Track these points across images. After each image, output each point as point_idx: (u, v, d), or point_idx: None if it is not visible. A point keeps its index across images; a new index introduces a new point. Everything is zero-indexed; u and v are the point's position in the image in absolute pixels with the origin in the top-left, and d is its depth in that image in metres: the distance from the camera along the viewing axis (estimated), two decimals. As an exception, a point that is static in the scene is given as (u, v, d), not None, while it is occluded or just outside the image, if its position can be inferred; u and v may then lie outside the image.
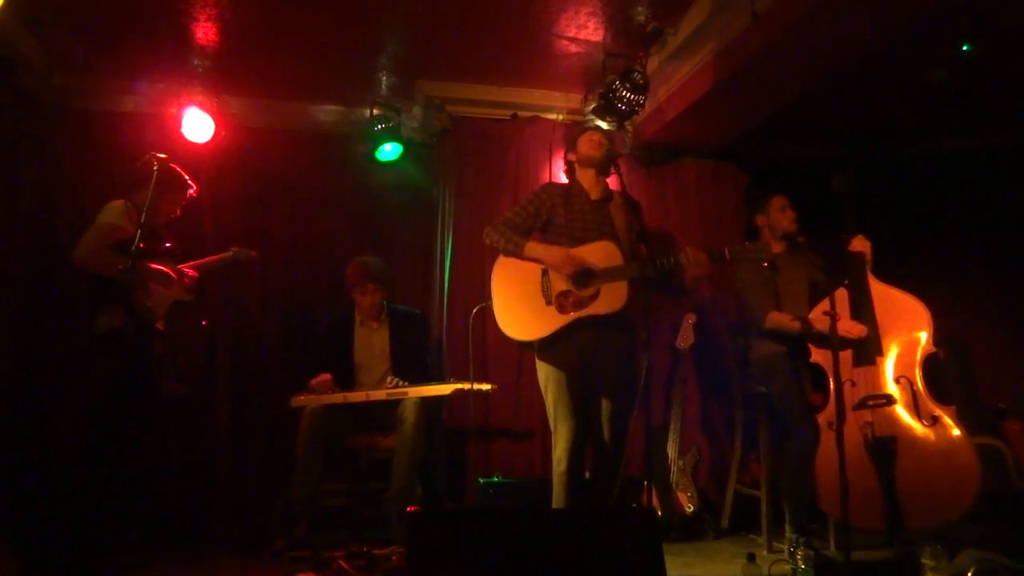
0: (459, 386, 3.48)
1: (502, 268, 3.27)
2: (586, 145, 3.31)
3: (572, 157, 3.39)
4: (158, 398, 3.60)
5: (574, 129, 4.59)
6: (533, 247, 3.17)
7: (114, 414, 3.26)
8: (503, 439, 4.27)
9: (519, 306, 3.18)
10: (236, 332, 4.45)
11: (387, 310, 3.95)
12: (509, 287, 3.21)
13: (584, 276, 3.09)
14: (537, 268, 3.19)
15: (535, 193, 3.41)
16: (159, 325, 3.52)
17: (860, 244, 3.39)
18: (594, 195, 3.29)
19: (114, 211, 3.37)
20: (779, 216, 3.67)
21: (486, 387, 3.49)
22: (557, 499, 3.13)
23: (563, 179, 3.49)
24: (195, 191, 3.67)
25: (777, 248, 3.67)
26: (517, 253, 3.19)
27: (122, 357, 3.25)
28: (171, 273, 3.50)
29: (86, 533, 3.15)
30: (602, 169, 3.28)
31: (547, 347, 3.16)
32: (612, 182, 3.27)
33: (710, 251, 3.04)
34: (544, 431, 4.35)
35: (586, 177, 3.33)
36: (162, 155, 3.18)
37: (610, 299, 3.02)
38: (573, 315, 3.06)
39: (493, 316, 4.32)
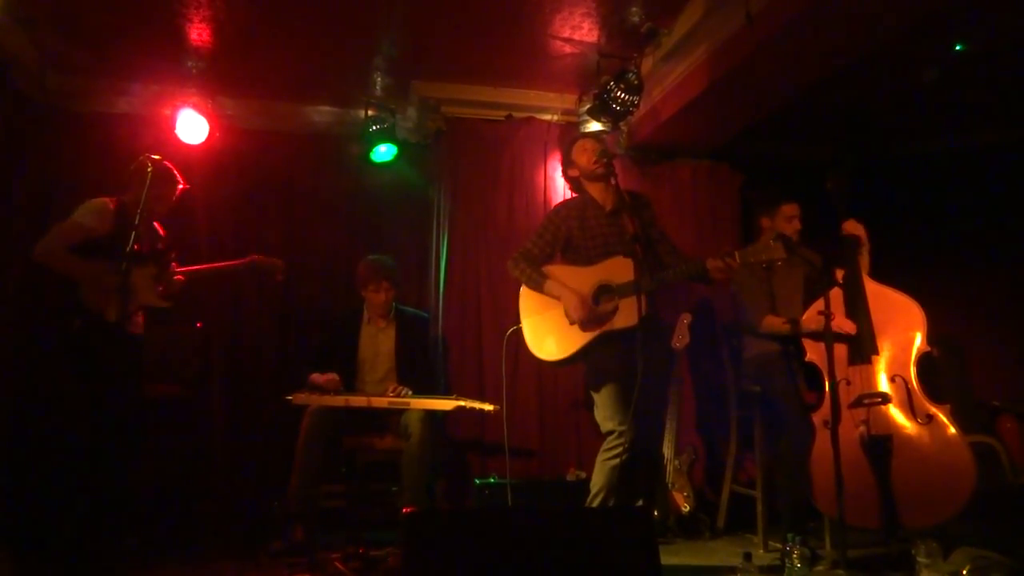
0: (461, 403, 3.48)
1: (527, 292, 3.32)
2: (584, 157, 3.26)
3: (574, 173, 3.33)
4: (140, 401, 3.46)
5: (564, 139, 4.56)
6: (550, 287, 3.20)
7: (85, 415, 3.21)
8: (500, 441, 4.26)
9: (545, 328, 3.24)
10: (231, 333, 4.44)
11: (395, 311, 3.96)
12: (535, 311, 3.28)
13: (603, 293, 3.12)
14: None
15: (549, 218, 3.39)
16: (134, 327, 3.36)
17: (853, 227, 3.38)
18: (608, 206, 3.25)
19: (88, 210, 3.28)
20: (784, 225, 3.65)
21: (488, 407, 3.47)
22: (595, 480, 3.11)
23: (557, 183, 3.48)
24: (184, 186, 3.55)
25: (772, 248, 3.67)
26: (539, 290, 3.24)
27: (80, 359, 3.20)
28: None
29: (81, 536, 3.13)
30: (606, 178, 3.23)
31: (583, 360, 3.19)
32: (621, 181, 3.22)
33: (724, 258, 2.95)
34: (542, 429, 4.38)
35: (595, 189, 3.29)
36: (156, 156, 3.17)
37: (627, 314, 3.02)
38: (595, 332, 3.10)
39: (480, 328, 4.40)
